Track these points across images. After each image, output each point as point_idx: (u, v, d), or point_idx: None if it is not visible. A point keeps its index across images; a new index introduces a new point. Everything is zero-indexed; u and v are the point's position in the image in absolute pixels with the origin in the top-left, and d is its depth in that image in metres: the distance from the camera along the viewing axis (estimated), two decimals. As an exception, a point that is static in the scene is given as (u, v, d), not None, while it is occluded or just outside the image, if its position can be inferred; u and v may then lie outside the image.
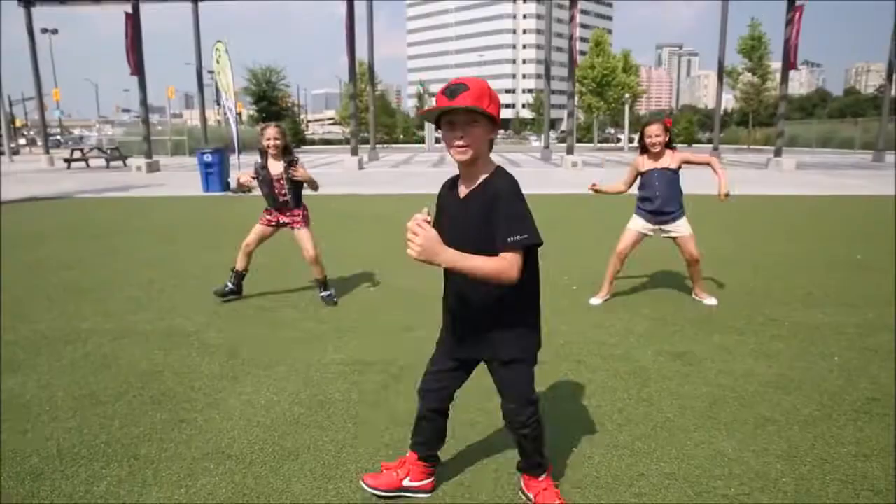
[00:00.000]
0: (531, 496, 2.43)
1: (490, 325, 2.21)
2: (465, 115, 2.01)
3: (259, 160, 5.24)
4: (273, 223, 5.34)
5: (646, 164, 5.13)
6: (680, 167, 5.10)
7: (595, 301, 5.39)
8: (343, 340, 4.42)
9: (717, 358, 4.04)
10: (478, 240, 2.05)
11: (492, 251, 2.01)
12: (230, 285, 5.43)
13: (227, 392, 3.53)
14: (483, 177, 2.12)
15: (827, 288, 5.82)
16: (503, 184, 2.08)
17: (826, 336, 4.46)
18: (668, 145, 5.09)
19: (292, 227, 5.33)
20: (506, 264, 1.99)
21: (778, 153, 24.14)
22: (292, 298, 5.56)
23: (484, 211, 2.05)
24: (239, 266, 5.41)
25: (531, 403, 2.31)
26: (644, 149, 5.13)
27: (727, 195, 5.19)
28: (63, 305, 5.30)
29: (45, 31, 48.02)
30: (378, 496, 2.47)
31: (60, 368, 3.87)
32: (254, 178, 5.20)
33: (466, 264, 1.97)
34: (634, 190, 5.35)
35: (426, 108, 2.09)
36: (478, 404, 3.17)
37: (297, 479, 2.63)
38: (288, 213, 5.31)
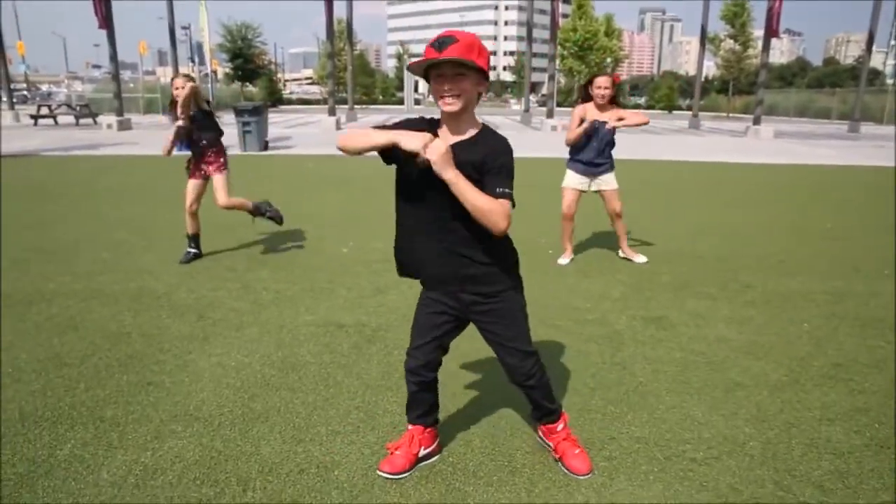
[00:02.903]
0: (551, 445, 2.49)
1: (474, 259, 2.17)
2: (453, 68, 1.99)
3: (171, 114, 5.24)
4: (200, 174, 5.31)
5: (591, 113, 5.15)
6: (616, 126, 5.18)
7: (563, 261, 5.52)
8: (316, 302, 4.37)
9: (690, 323, 4.07)
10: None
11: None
12: (192, 251, 5.41)
13: (196, 354, 3.47)
14: (472, 131, 2.11)
15: (798, 256, 5.89)
16: (501, 141, 2.11)
17: (796, 303, 4.52)
18: (614, 101, 5.17)
19: (210, 175, 5.32)
20: (498, 207, 2.01)
21: (757, 121, 24.21)
22: (265, 259, 5.47)
23: (474, 162, 2.03)
24: (191, 230, 5.40)
25: (530, 355, 2.33)
26: (587, 99, 5.17)
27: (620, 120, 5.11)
28: (27, 266, 5.15)
29: (7, -20, 45.98)
30: (401, 479, 2.39)
31: (24, 330, 3.76)
32: (177, 137, 5.19)
33: (466, 187, 1.98)
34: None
35: (413, 61, 2.04)
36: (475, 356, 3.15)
37: (266, 442, 2.60)
38: (206, 160, 5.29)
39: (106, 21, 20.55)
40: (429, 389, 2.41)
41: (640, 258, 5.55)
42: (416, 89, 64.17)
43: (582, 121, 5.16)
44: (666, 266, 5.47)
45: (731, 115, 48.47)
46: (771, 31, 22.93)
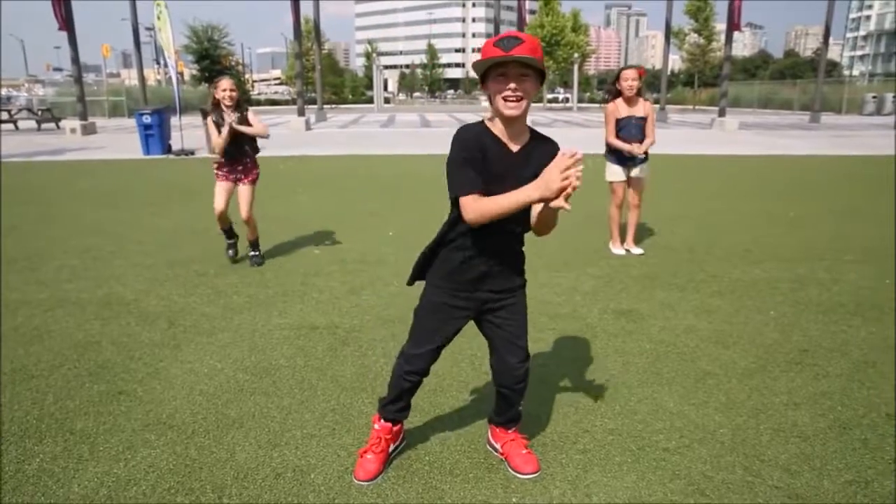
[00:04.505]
0: (498, 446, 2.49)
1: (512, 261, 2.26)
2: (518, 68, 1.93)
3: (213, 114, 5.05)
4: (231, 177, 5.18)
5: (623, 110, 5.32)
6: (646, 117, 5.39)
7: (618, 251, 5.71)
8: (288, 305, 4.34)
9: (660, 315, 4.14)
10: None
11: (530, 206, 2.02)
12: (232, 244, 5.41)
13: (168, 361, 3.43)
14: (526, 135, 2.10)
15: (764, 245, 6.02)
16: (554, 143, 2.12)
17: (762, 291, 4.62)
18: (639, 94, 5.36)
19: (239, 182, 5.21)
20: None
21: (722, 113, 24.67)
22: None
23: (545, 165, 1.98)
24: (223, 226, 5.34)
25: (528, 357, 2.36)
26: (617, 94, 5.32)
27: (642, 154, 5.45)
28: (-10, 275, 5.03)
29: (-39, -19, 44.53)
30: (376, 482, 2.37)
31: (-12, 342, 3.68)
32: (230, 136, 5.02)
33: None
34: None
35: (480, 58, 1.98)
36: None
37: (241, 448, 2.58)
38: (241, 167, 5.18)
39: (66, 23, 20.06)
40: (417, 387, 2.42)
41: (638, 250, 5.72)
42: (385, 88, 63.88)
43: (617, 121, 5.34)
44: (635, 258, 5.55)
45: (696, 107, 49.30)
46: (733, 25, 23.37)
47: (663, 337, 3.76)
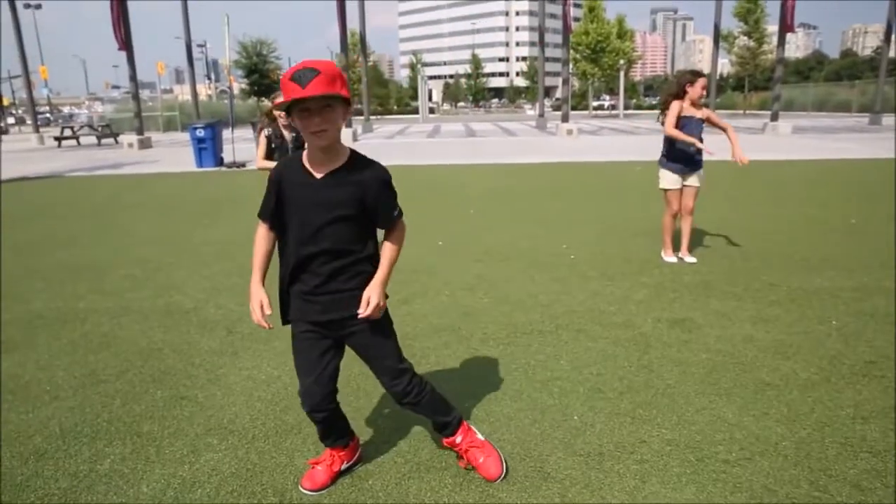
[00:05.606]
0: (458, 455, 2.50)
1: (344, 288, 2.19)
2: (319, 101, 1.95)
3: (269, 128, 5.14)
4: None
5: (688, 110, 5.37)
6: (705, 119, 5.44)
7: (670, 259, 5.63)
8: (342, 314, 4.40)
9: (716, 324, 4.05)
10: (339, 218, 2.10)
11: (352, 229, 2.13)
12: None
13: (227, 368, 3.53)
14: (342, 160, 2.11)
15: (823, 252, 5.83)
16: (378, 168, 2.16)
17: (823, 301, 4.47)
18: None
19: None
20: (398, 236, 2.25)
21: (774, 117, 23.99)
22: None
23: (356, 193, 2.10)
24: None
25: (403, 371, 2.35)
26: (682, 95, 5.35)
27: (745, 162, 5.53)
28: (58, 285, 5.27)
29: (27, 6, 46.90)
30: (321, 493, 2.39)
31: (59, 348, 3.86)
32: (272, 148, 5.07)
33: (388, 271, 2.22)
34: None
35: (278, 100, 2.05)
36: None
37: (299, 453, 2.64)
38: None
39: (125, 43, 20.95)
40: (337, 417, 2.41)
41: (691, 258, 5.63)
42: (430, 98, 64.46)
43: (679, 118, 5.33)
44: (688, 266, 5.44)
45: (747, 111, 48.07)
46: (785, 26, 22.76)
47: (720, 346, 3.68)
